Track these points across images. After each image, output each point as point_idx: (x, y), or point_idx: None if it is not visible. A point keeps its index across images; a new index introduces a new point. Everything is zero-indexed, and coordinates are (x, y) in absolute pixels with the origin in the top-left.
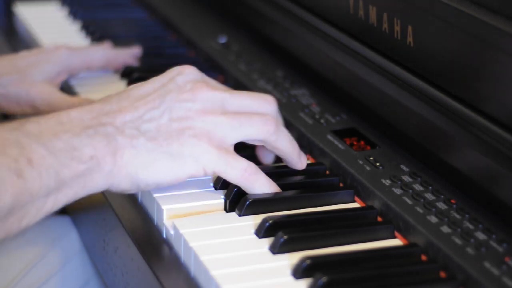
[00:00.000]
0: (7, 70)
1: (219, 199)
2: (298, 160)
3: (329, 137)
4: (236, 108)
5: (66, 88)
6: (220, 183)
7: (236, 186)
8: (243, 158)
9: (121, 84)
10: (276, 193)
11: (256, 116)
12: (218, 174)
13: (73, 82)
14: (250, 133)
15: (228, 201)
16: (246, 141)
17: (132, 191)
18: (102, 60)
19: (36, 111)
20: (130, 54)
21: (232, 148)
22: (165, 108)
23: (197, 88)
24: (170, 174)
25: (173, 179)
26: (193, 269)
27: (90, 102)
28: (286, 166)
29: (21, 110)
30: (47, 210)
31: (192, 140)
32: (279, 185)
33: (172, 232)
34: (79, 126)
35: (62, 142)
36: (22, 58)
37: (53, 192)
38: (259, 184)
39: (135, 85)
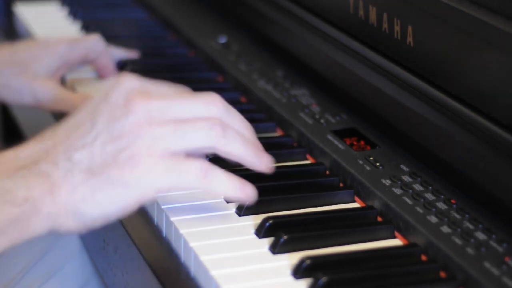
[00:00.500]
0: (8, 61)
1: (219, 199)
2: (258, 162)
3: (329, 137)
4: (178, 115)
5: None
6: None
7: None
8: (193, 158)
9: None
10: (276, 193)
11: (200, 121)
12: (173, 188)
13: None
14: (195, 141)
15: (227, 201)
16: (193, 151)
17: (80, 230)
18: (97, 53)
19: (38, 104)
20: (127, 54)
21: (179, 156)
22: (97, 132)
23: (130, 100)
24: (115, 204)
25: (120, 209)
26: (193, 269)
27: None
28: (285, 166)
29: (23, 102)
30: None
31: (132, 162)
32: (278, 185)
33: (172, 232)
34: (12, 167)
35: None
36: (23, 50)
37: None
38: (219, 181)
39: (72, 114)
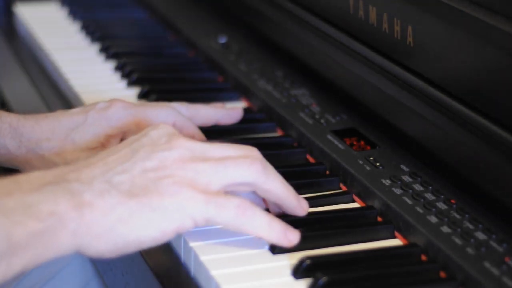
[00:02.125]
0: (47, 135)
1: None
2: (297, 203)
3: (329, 137)
4: (219, 155)
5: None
6: None
7: None
8: (234, 196)
9: (121, 84)
10: None
11: (241, 158)
12: (210, 222)
13: (74, 84)
14: (236, 176)
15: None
16: (234, 188)
17: (111, 254)
18: (168, 119)
19: None
20: (221, 115)
21: (219, 192)
22: (138, 159)
23: (173, 139)
24: (152, 228)
25: (157, 234)
26: (193, 269)
27: None
28: (285, 166)
29: None
30: None
31: (173, 188)
32: None
33: None
34: (38, 183)
35: (13, 200)
36: (68, 117)
37: (4, 256)
38: (258, 221)
39: (108, 148)
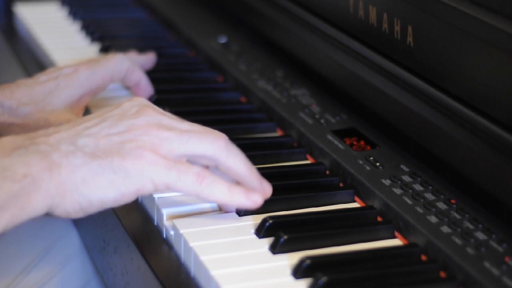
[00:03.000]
0: (26, 100)
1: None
2: (259, 185)
3: (329, 137)
4: (184, 128)
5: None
6: None
7: None
8: (194, 164)
9: (121, 84)
10: (276, 193)
11: (206, 132)
12: (170, 187)
13: None
14: (198, 147)
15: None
16: (194, 158)
17: (76, 214)
18: (123, 72)
19: None
20: (144, 61)
21: (181, 160)
22: (104, 125)
23: (143, 109)
24: (113, 189)
25: (117, 195)
26: (193, 269)
27: None
28: (285, 166)
29: None
30: None
31: (135, 152)
32: (278, 185)
33: (172, 232)
34: (9, 147)
35: None
36: (40, 84)
37: None
38: (217, 187)
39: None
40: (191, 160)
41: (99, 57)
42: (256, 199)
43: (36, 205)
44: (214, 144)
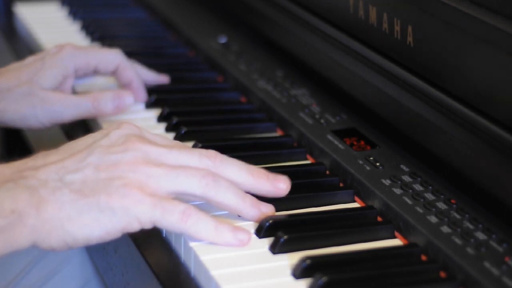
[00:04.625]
0: (15, 82)
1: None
2: (256, 212)
3: (329, 137)
4: (173, 162)
5: None
6: None
7: None
8: (180, 202)
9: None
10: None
11: (193, 169)
12: (156, 224)
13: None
14: (185, 186)
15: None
16: (183, 196)
17: (61, 249)
18: (112, 65)
19: (55, 120)
20: (150, 75)
21: (167, 197)
22: (92, 160)
23: (130, 141)
24: (98, 228)
25: (102, 233)
26: (193, 269)
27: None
28: (285, 166)
29: (42, 122)
30: None
31: (122, 190)
32: None
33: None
34: None
35: None
36: (28, 66)
37: None
38: (203, 225)
39: (68, 143)
40: (181, 197)
41: (93, 45)
42: (242, 238)
43: (20, 240)
44: (201, 183)
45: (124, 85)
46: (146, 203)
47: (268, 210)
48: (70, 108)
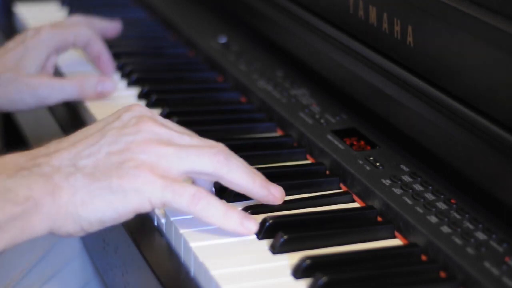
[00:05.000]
0: (1, 69)
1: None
2: (266, 192)
3: (329, 137)
4: (183, 143)
5: None
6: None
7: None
8: (191, 184)
9: (121, 84)
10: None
11: (205, 147)
12: (166, 205)
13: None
14: (197, 164)
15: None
16: (194, 175)
17: (78, 234)
18: (85, 38)
19: (42, 102)
20: (108, 27)
21: (178, 178)
22: (104, 143)
23: (142, 121)
24: (111, 210)
25: (115, 215)
26: (193, 269)
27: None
28: (285, 166)
29: (28, 105)
30: None
31: (133, 172)
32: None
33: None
34: (13, 168)
35: None
36: (10, 51)
37: None
38: (213, 209)
39: (81, 129)
40: (194, 177)
41: (64, 22)
42: (250, 227)
43: (37, 228)
44: (213, 160)
45: (94, 58)
46: (156, 184)
47: (277, 191)
48: (55, 92)
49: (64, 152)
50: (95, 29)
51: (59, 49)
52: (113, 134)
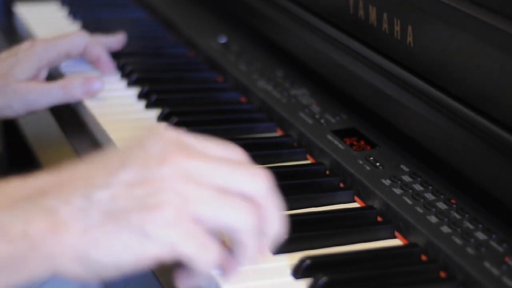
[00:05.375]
0: None
1: None
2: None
3: (329, 137)
4: (218, 182)
5: None
6: None
7: None
8: (216, 241)
9: (121, 84)
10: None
11: (241, 200)
12: (186, 259)
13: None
14: (229, 219)
15: None
16: (218, 227)
17: (89, 278)
18: (80, 47)
19: (32, 108)
20: (112, 41)
21: (204, 230)
22: (125, 173)
23: (168, 152)
24: (130, 253)
25: (133, 260)
26: None
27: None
28: (285, 166)
29: (18, 112)
30: None
31: (157, 210)
32: (278, 185)
33: None
34: (14, 196)
35: None
36: (2, 61)
37: None
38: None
39: (99, 154)
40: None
41: (61, 34)
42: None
43: (36, 270)
44: (247, 220)
45: (93, 61)
46: (182, 229)
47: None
48: (42, 97)
49: (78, 181)
50: (104, 48)
51: (52, 63)
52: (135, 165)
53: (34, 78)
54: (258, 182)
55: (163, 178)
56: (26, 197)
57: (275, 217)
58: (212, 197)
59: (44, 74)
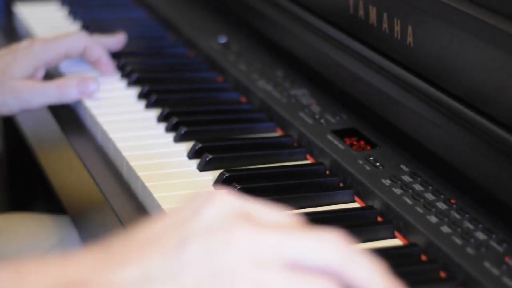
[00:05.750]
0: None
1: None
2: None
3: (329, 137)
4: (293, 257)
5: None
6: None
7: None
8: None
9: (121, 84)
10: (276, 193)
11: (316, 279)
12: None
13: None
14: None
15: None
16: None
17: None
18: (79, 48)
19: (26, 106)
20: (112, 42)
21: None
22: (189, 259)
23: (235, 228)
24: None
25: None
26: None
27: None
28: (285, 166)
29: (12, 110)
30: None
31: None
32: (278, 185)
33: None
34: (43, 284)
35: None
36: (0, 58)
37: None
38: None
39: (148, 223)
40: None
41: (61, 34)
42: None
43: None
44: None
45: (93, 62)
46: None
47: None
48: (37, 95)
49: (131, 265)
50: (104, 48)
51: (50, 63)
52: (199, 245)
53: (31, 77)
54: (327, 248)
55: (233, 268)
56: (59, 284)
57: (363, 276)
58: (289, 279)
59: (41, 73)
